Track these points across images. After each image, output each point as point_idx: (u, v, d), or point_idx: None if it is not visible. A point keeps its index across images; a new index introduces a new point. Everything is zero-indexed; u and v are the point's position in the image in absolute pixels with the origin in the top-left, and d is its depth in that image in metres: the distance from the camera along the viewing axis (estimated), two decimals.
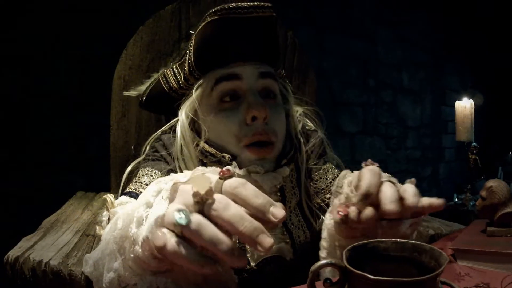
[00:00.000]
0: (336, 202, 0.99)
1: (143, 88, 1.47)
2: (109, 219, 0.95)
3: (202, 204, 0.67)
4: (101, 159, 2.63)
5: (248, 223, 0.64)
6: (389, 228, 0.86)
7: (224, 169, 0.71)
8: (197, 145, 1.25)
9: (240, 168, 1.18)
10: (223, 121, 1.20)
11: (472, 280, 0.98)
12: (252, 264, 1.17)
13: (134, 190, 1.20)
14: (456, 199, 4.75)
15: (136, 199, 0.84)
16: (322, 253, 1.04)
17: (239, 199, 0.68)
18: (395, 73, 4.86)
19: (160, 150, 1.29)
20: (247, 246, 1.15)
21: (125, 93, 1.56)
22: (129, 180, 1.30)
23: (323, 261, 0.70)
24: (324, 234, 1.04)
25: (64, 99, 2.79)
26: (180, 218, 0.64)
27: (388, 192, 0.84)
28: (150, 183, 1.11)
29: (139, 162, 1.32)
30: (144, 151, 1.34)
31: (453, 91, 5.80)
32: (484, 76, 6.24)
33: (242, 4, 1.16)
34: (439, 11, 5.49)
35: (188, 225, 0.64)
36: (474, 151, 3.64)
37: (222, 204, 0.66)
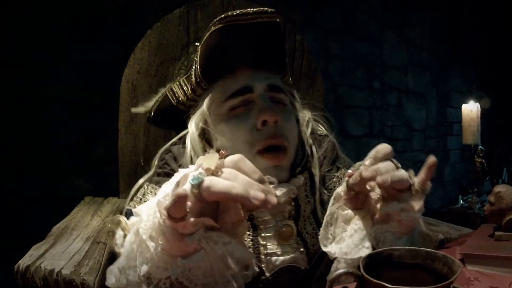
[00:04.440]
0: (339, 189, 1.04)
1: (150, 104, 1.46)
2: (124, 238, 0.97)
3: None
4: (109, 164, 2.65)
5: (256, 186, 0.74)
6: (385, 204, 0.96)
7: (222, 151, 0.80)
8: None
9: None
10: (234, 128, 1.20)
11: (481, 284, 0.99)
12: (267, 274, 1.17)
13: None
14: (461, 201, 4.75)
15: None
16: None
17: (241, 171, 0.76)
18: (400, 76, 4.85)
19: (170, 163, 1.27)
20: (262, 256, 1.17)
21: (133, 110, 1.56)
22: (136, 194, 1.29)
23: (341, 270, 0.71)
24: (329, 209, 1.07)
25: (71, 103, 2.80)
26: (194, 179, 0.72)
27: (381, 164, 0.91)
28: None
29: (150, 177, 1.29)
30: (154, 164, 1.31)
31: (458, 93, 5.79)
32: (489, 77, 6.23)
33: (247, 10, 1.16)
34: (444, 13, 5.48)
35: (202, 183, 0.72)
36: (481, 154, 3.64)
37: (232, 174, 0.75)
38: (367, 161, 0.94)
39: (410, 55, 4.96)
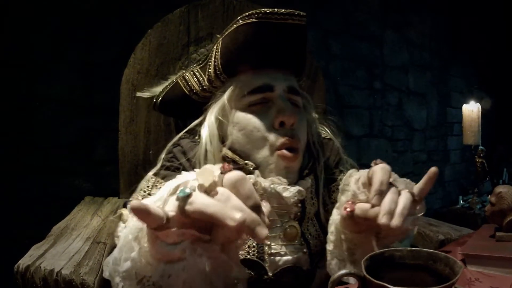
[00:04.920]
0: (343, 199, 1.03)
1: (157, 90, 1.47)
2: None
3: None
4: (109, 164, 2.65)
5: (247, 215, 0.69)
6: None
7: (225, 164, 0.77)
8: (220, 151, 1.24)
9: (263, 177, 1.18)
10: (251, 123, 1.21)
11: (482, 285, 0.99)
12: (270, 274, 1.18)
13: None
14: (461, 201, 4.75)
15: None
16: (329, 246, 1.06)
17: (237, 193, 0.73)
18: (401, 76, 4.86)
19: (179, 157, 1.26)
20: (265, 256, 1.17)
21: (138, 94, 1.57)
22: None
23: (342, 271, 0.71)
24: (331, 228, 1.06)
25: (71, 103, 2.79)
26: (181, 192, 0.70)
27: (386, 203, 0.86)
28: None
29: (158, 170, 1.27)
30: (162, 159, 1.30)
31: (458, 93, 5.80)
32: (489, 77, 6.23)
33: (278, 10, 1.16)
34: (444, 13, 5.48)
35: (187, 197, 0.70)
36: (481, 155, 3.64)
37: (224, 196, 0.72)
38: (374, 199, 0.88)
39: (410, 55, 4.96)
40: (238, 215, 0.67)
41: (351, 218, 0.94)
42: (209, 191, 0.73)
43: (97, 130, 2.82)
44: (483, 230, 1.32)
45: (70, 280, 1.09)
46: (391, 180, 0.93)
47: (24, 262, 1.16)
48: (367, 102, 4.44)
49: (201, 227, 0.74)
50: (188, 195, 0.70)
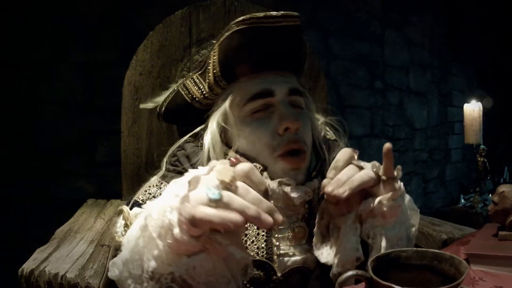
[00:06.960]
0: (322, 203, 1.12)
1: (159, 99, 1.46)
2: (125, 228, 0.98)
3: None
4: (111, 166, 2.65)
5: (265, 204, 0.79)
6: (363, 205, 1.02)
7: (231, 158, 0.86)
8: (226, 154, 1.24)
9: (271, 179, 1.18)
10: (255, 131, 1.20)
11: (486, 284, 0.99)
12: (279, 274, 1.18)
13: (141, 202, 1.17)
14: (463, 200, 4.75)
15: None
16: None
17: (250, 182, 0.82)
18: (402, 75, 4.85)
19: (183, 161, 1.27)
20: (274, 256, 1.18)
21: (142, 106, 1.56)
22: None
23: (349, 273, 0.71)
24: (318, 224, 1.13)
25: (73, 105, 2.79)
26: (213, 194, 0.74)
27: (338, 176, 0.98)
28: (157, 195, 1.16)
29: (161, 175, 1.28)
30: (165, 162, 1.30)
31: (459, 92, 5.80)
32: (490, 76, 6.23)
33: (271, 13, 1.16)
34: (444, 13, 5.48)
35: (221, 199, 0.74)
36: (483, 154, 3.64)
37: (243, 189, 0.79)
38: (330, 173, 1.00)
39: (411, 55, 4.96)
40: (270, 219, 0.76)
41: (329, 202, 1.03)
42: (229, 186, 0.78)
43: (99, 132, 2.82)
44: (486, 229, 1.32)
45: (75, 284, 1.09)
46: (354, 162, 1.02)
47: (28, 266, 1.16)
48: (368, 102, 4.44)
49: None
50: (221, 197, 0.75)
